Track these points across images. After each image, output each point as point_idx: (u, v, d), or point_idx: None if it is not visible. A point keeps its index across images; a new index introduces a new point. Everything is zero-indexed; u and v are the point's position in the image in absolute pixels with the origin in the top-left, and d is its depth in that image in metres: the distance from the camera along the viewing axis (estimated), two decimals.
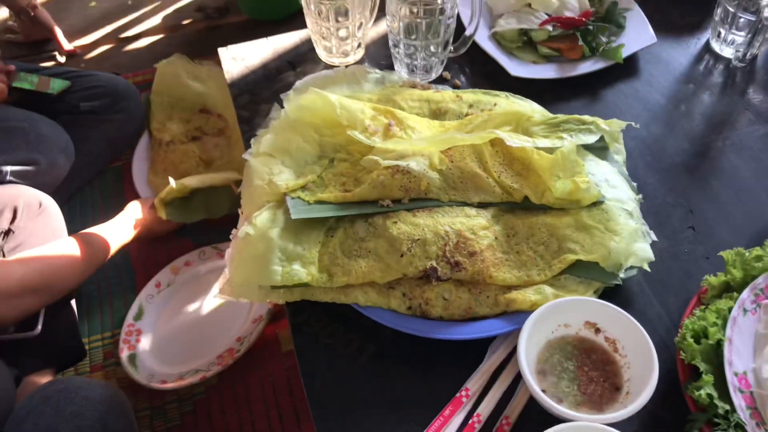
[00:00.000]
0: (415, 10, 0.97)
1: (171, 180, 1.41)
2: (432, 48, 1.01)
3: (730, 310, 0.74)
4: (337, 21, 1.03)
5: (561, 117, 0.90)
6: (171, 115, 1.58)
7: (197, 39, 1.29)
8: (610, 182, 0.85)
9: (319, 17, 1.03)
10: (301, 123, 0.90)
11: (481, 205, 0.85)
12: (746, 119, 1.02)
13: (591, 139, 0.88)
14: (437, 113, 0.97)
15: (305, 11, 1.04)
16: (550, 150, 0.85)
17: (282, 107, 0.93)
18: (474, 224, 0.81)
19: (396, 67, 1.07)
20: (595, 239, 0.81)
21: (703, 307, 0.76)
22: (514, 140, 0.84)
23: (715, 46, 1.11)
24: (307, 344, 0.80)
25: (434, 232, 0.79)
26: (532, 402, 0.73)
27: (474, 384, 0.75)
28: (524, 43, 1.09)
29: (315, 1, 1.00)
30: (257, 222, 0.81)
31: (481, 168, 0.86)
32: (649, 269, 0.81)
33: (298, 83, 0.97)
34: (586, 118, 0.90)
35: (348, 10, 1.02)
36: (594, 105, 1.04)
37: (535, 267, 0.80)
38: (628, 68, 1.08)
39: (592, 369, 0.74)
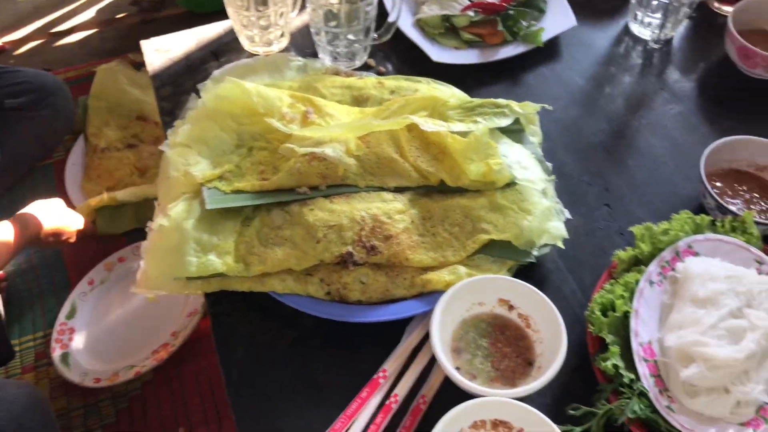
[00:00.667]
0: None
1: (104, 195, 1.39)
2: (353, 35, 1.02)
3: (637, 282, 0.76)
4: (257, 10, 1.02)
5: (476, 101, 0.92)
6: (108, 121, 1.55)
7: (131, 33, 1.27)
8: (522, 164, 0.87)
9: (239, 7, 1.02)
10: (219, 112, 0.90)
11: (398, 190, 0.85)
12: (662, 99, 1.05)
13: (505, 122, 0.89)
14: (359, 100, 0.97)
15: (225, 1, 1.03)
16: (464, 134, 0.86)
17: (199, 97, 0.92)
18: (390, 208, 0.82)
19: (320, 55, 1.07)
20: (509, 219, 0.82)
21: (612, 281, 0.78)
22: (429, 125, 0.85)
23: (634, 28, 1.14)
24: (226, 334, 0.80)
25: (350, 217, 0.80)
26: (448, 380, 0.74)
27: (391, 365, 0.76)
28: (447, 29, 1.10)
29: None
30: (172, 213, 0.80)
31: (397, 153, 0.86)
32: (563, 246, 0.83)
33: (216, 72, 0.97)
34: (501, 101, 0.91)
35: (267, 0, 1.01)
36: (515, 89, 1.06)
37: (450, 248, 0.81)
38: (548, 52, 1.10)
39: (506, 345, 0.76)
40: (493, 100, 0.92)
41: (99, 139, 1.51)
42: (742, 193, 0.90)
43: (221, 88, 0.90)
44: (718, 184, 0.89)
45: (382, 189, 0.85)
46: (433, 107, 0.91)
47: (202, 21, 1.13)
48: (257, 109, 0.88)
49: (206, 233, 0.80)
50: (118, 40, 1.16)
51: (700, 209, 0.89)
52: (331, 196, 0.83)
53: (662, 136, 0.99)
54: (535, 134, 0.94)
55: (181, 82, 1.06)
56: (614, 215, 0.90)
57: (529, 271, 0.83)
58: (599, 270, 0.84)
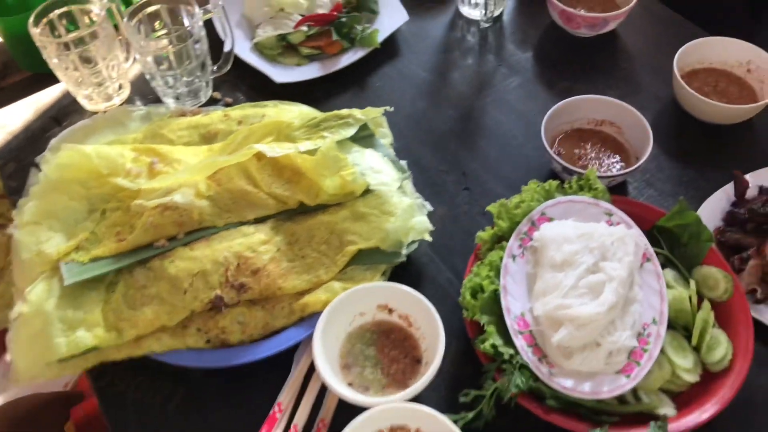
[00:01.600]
0: (164, 40, 0.96)
1: None
2: (188, 75, 1.01)
3: (501, 260, 0.79)
4: (87, 68, 0.99)
5: (320, 116, 0.92)
6: None
7: None
8: (375, 168, 0.88)
9: (66, 69, 0.99)
10: (63, 182, 0.87)
11: (259, 220, 0.85)
12: (501, 74, 1.09)
13: (350, 132, 0.90)
14: (207, 137, 0.96)
15: (50, 65, 1.00)
16: (313, 152, 0.87)
17: (40, 170, 0.89)
18: (253, 242, 0.82)
19: (163, 99, 1.05)
20: (372, 225, 0.84)
21: (479, 263, 0.81)
22: (276, 150, 0.86)
23: (464, 10, 1.17)
24: (116, 404, 0.78)
25: (213, 260, 0.79)
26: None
27: (285, 397, 0.76)
28: (284, 48, 1.10)
29: (54, 54, 0.96)
30: (31, 297, 0.77)
31: (251, 184, 0.86)
32: (430, 239, 0.85)
33: (53, 141, 0.94)
34: (343, 112, 0.92)
35: (94, 55, 0.98)
36: (363, 93, 1.07)
37: (321, 267, 0.82)
38: (388, 51, 1.12)
39: (392, 348, 0.77)
40: (336, 112, 0.93)
41: None
42: (588, 150, 0.94)
43: (60, 157, 0.88)
44: (565, 146, 0.94)
45: (242, 224, 0.84)
46: (278, 131, 0.91)
47: (52, 80, 1.09)
48: (101, 171, 0.86)
49: (71, 309, 0.78)
50: None
51: (552, 175, 0.93)
52: (190, 243, 0.82)
53: (507, 111, 1.03)
54: (384, 136, 0.96)
55: (23, 156, 1.02)
56: (475, 197, 0.93)
57: (404, 270, 0.85)
58: (468, 253, 0.87)
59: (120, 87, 1.06)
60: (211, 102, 1.07)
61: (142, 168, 0.87)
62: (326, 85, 1.08)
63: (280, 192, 0.86)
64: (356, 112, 0.92)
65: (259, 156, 0.88)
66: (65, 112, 1.07)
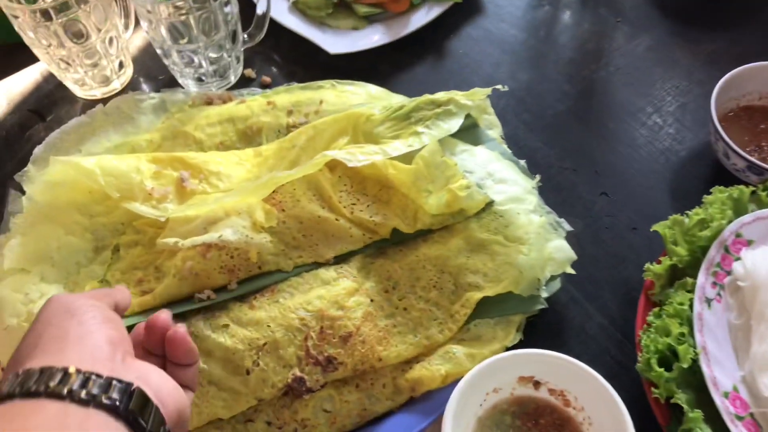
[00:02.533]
0: (179, 3, 0.69)
1: None
2: (215, 49, 0.74)
3: (691, 305, 0.56)
4: (75, 43, 0.73)
5: (408, 104, 0.67)
6: None
7: None
8: (495, 175, 0.64)
9: (47, 46, 0.72)
10: (56, 208, 0.63)
11: (340, 259, 0.61)
12: (622, 34, 0.83)
13: (454, 124, 0.65)
14: (248, 135, 0.71)
15: (26, 40, 0.73)
16: (408, 157, 0.62)
17: (23, 193, 0.64)
18: (338, 293, 0.57)
19: (179, 80, 0.79)
20: (498, 259, 0.60)
21: (657, 310, 0.57)
22: (358, 156, 0.61)
23: None
24: None
25: (285, 325, 0.55)
26: None
27: None
28: (335, 6, 0.83)
29: (30, 25, 0.70)
30: None
31: (325, 207, 0.61)
32: (573, 271, 0.61)
33: (37, 150, 0.68)
34: (440, 96, 0.67)
35: (85, 24, 0.72)
36: (443, 64, 0.81)
37: (433, 323, 0.58)
38: (470, 6, 0.86)
39: None
40: (429, 97, 0.67)
41: None
42: (762, 135, 0.70)
43: (50, 174, 0.63)
44: (731, 131, 0.69)
45: (317, 265, 0.60)
46: (355, 127, 0.66)
47: (24, 55, 0.82)
48: (110, 193, 0.61)
49: None
50: None
51: (717, 169, 0.69)
52: (248, 296, 0.58)
53: (639, 82, 0.78)
54: (492, 125, 0.71)
55: None
56: (617, 205, 0.69)
57: (538, 318, 0.61)
58: (623, 287, 0.64)
59: (120, 66, 0.80)
60: (243, 83, 0.81)
61: (168, 186, 0.62)
62: (394, 55, 0.82)
63: (366, 217, 0.61)
64: (458, 96, 0.67)
65: (332, 166, 0.63)
66: (49, 102, 0.81)
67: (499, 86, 0.67)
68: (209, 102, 0.76)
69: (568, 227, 0.64)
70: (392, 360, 0.56)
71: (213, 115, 0.72)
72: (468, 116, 0.67)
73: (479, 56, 0.81)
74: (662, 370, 0.53)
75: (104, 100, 0.75)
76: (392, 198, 0.62)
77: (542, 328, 0.61)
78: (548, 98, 0.77)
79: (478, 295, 0.58)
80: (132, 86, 0.82)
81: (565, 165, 0.72)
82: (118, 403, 0.36)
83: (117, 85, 0.81)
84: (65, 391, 0.34)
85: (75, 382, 0.35)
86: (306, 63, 0.82)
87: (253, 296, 0.57)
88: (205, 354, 0.54)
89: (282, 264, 0.59)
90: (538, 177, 0.65)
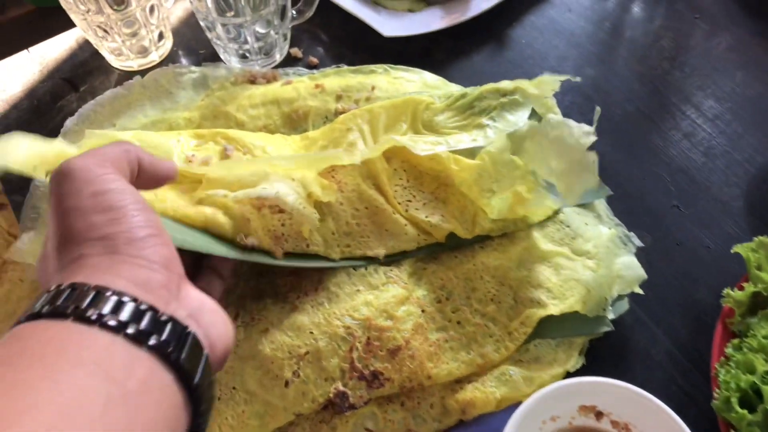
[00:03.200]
0: None
1: None
2: (263, 24, 0.69)
3: None
4: (114, 9, 0.68)
5: (471, 92, 0.61)
6: None
7: None
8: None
9: (84, 12, 0.68)
10: None
11: (390, 260, 0.56)
12: (700, 32, 0.77)
13: (522, 116, 0.60)
14: (294, 119, 0.66)
15: (63, 4, 0.69)
16: (471, 152, 0.57)
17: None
18: (387, 300, 0.52)
19: (221, 56, 0.74)
20: (563, 273, 0.54)
21: (737, 341, 0.52)
22: (420, 145, 0.55)
23: None
24: None
25: (329, 333, 0.50)
26: None
27: None
28: None
29: None
30: None
31: (383, 197, 0.56)
32: (641, 291, 0.56)
33: (69, 122, 0.64)
34: (505, 84, 0.61)
35: None
36: (503, 54, 0.76)
37: (488, 339, 0.53)
38: None
39: None
40: (494, 85, 0.62)
41: None
42: None
43: (84, 147, 0.58)
44: None
45: (366, 261, 0.55)
46: (414, 115, 0.60)
47: (60, 18, 0.78)
48: None
49: None
50: None
51: None
52: (290, 294, 0.53)
53: (717, 85, 0.72)
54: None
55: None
56: (690, 220, 0.63)
57: (600, 339, 0.56)
58: (695, 311, 0.58)
59: (160, 37, 0.75)
60: (289, 62, 0.76)
61: (210, 156, 0.57)
62: (450, 42, 0.76)
63: (422, 216, 0.56)
64: (525, 84, 0.61)
65: (388, 155, 0.57)
66: (85, 72, 0.76)
67: (569, 76, 0.61)
68: (252, 80, 0.71)
69: (638, 242, 0.58)
70: (442, 378, 0.51)
71: (257, 96, 0.67)
72: (533, 113, 0.62)
73: (543, 47, 0.75)
74: (745, 411, 0.48)
75: (141, 72, 0.71)
76: (450, 198, 0.57)
77: (604, 352, 0.56)
78: (617, 97, 0.71)
79: (540, 313, 0.53)
80: (170, 59, 0.77)
81: (633, 172, 0.66)
82: (170, 350, 0.30)
83: (155, 57, 0.76)
84: (116, 322, 0.28)
85: (128, 314, 0.29)
86: (356, 44, 0.76)
87: (296, 295, 0.52)
88: (244, 361, 0.50)
89: (330, 251, 0.54)
90: (607, 189, 0.60)
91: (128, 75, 0.75)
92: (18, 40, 0.83)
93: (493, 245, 0.56)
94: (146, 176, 0.39)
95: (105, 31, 0.71)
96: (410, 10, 0.77)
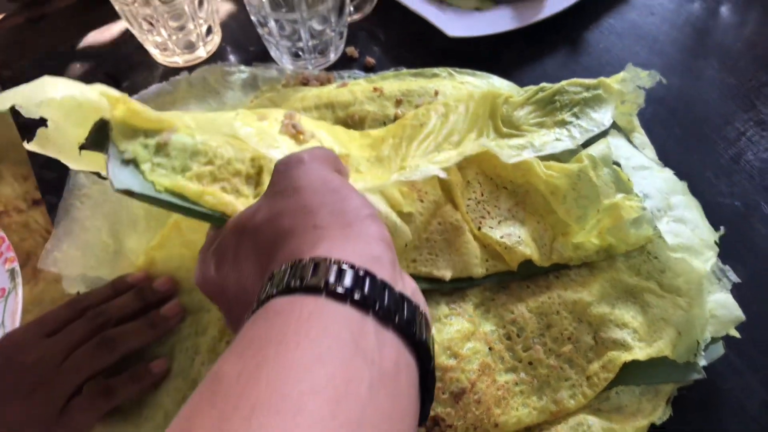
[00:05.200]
0: None
1: None
2: (319, 21, 0.64)
3: None
4: (161, 1, 0.64)
5: (550, 86, 0.55)
6: (0, 173, 1.14)
7: (16, 40, 0.87)
8: (675, 211, 0.52)
9: (131, 1, 0.63)
10: None
11: (454, 288, 0.50)
12: None
13: (606, 115, 0.53)
14: (349, 125, 0.60)
15: None
16: (555, 157, 0.51)
17: (101, 176, 0.56)
18: (451, 336, 0.46)
19: (272, 54, 0.70)
20: (651, 312, 0.48)
21: None
22: (506, 150, 0.50)
23: None
24: None
25: None
26: None
27: None
28: None
29: None
30: None
31: (458, 212, 0.50)
32: (738, 335, 0.49)
33: None
34: (587, 80, 0.55)
35: None
36: (578, 60, 0.69)
37: (564, 383, 0.47)
38: None
39: None
40: (575, 79, 0.55)
41: None
42: None
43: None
44: None
45: (431, 282, 0.49)
46: (492, 110, 0.54)
47: (102, 11, 0.75)
48: None
49: None
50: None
51: None
52: None
53: None
54: (643, 147, 0.59)
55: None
56: None
57: (688, 387, 0.49)
58: None
59: (208, 31, 0.71)
60: (344, 62, 0.70)
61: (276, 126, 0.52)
62: (520, 44, 0.70)
63: (496, 236, 0.49)
64: (608, 80, 0.55)
65: (462, 164, 0.51)
66: (127, 67, 0.72)
67: (655, 73, 0.54)
68: (305, 83, 0.66)
69: (734, 278, 0.52)
70: (511, 427, 0.45)
71: (310, 98, 0.62)
72: (614, 127, 0.55)
73: (623, 53, 0.69)
74: None
75: (186, 69, 0.66)
76: (527, 219, 0.51)
77: (692, 401, 0.49)
78: (705, 110, 0.64)
79: (624, 357, 0.46)
80: (218, 55, 0.72)
81: (725, 195, 0.59)
82: (414, 330, 0.29)
83: (202, 53, 0.71)
84: (362, 300, 0.27)
85: (370, 290, 0.28)
86: (417, 45, 0.71)
87: None
88: None
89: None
90: (722, 228, 0.53)
91: (173, 71, 0.70)
92: (63, 31, 0.80)
93: (570, 275, 0.50)
94: None
95: (151, 24, 0.66)
96: (478, 9, 0.71)
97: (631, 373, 0.47)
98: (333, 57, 0.70)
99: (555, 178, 0.49)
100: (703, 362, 0.48)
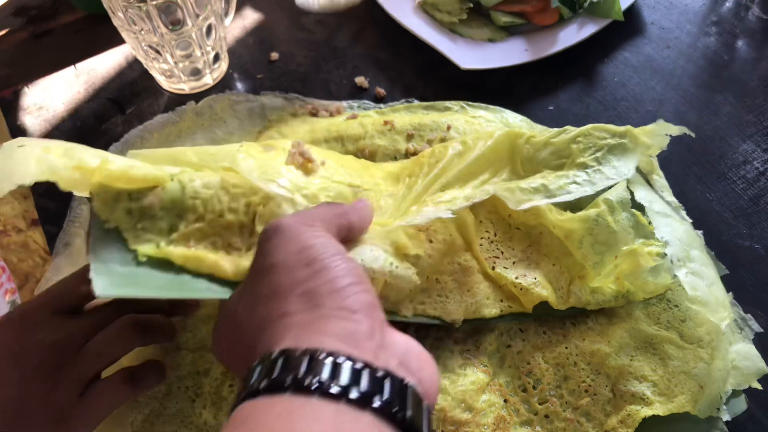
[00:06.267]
0: None
1: None
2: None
3: None
4: (169, 29, 0.62)
5: (573, 129, 0.53)
6: None
7: (20, 54, 0.86)
8: (693, 264, 0.50)
9: (137, 31, 0.62)
10: None
11: (467, 334, 0.48)
12: None
13: (629, 166, 0.51)
14: (359, 158, 0.59)
15: (114, 22, 0.63)
16: (572, 206, 0.49)
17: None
18: (466, 388, 0.45)
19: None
20: (672, 365, 0.46)
21: None
22: (517, 195, 0.47)
23: None
24: None
25: None
26: None
27: None
28: (470, 12, 0.70)
29: (121, 5, 0.59)
30: None
31: (469, 253, 0.49)
32: (759, 386, 0.47)
33: (113, 149, 0.58)
34: (612, 127, 0.52)
35: (182, 8, 0.61)
36: (593, 94, 0.68)
37: None
38: (630, 26, 0.72)
39: None
40: (602, 125, 0.52)
41: None
42: None
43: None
44: None
45: (440, 325, 0.47)
46: (512, 150, 0.52)
47: (107, 28, 0.73)
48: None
49: None
50: (3, 67, 0.77)
51: None
52: None
53: None
54: (663, 189, 0.57)
55: None
56: None
57: None
58: None
59: (215, 59, 0.69)
60: (354, 92, 0.69)
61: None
62: (534, 76, 0.68)
63: (511, 277, 0.47)
64: (636, 131, 0.52)
65: (476, 207, 0.50)
66: (131, 93, 0.71)
67: (686, 129, 0.53)
68: (314, 113, 0.64)
69: (756, 327, 0.50)
70: None
71: (319, 131, 0.61)
72: (637, 172, 0.54)
73: (638, 88, 0.67)
74: None
75: (193, 96, 0.65)
76: (542, 261, 0.49)
77: None
78: (723, 148, 0.63)
79: (644, 413, 0.44)
80: (225, 82, 0.71)
81: (744, 237, 0.57)
82: (395, 409, 0.27)
83: (209, 80, 0.70)
84: (338, 389, 0.27)
85: (347, 376, 0.27)
86: (428, 76, 0.69)
87: None
88: None
89: (402, 308, 0.46)
90: (721, 265, 0.51)
91: (178, 98, 0.69)
92: (67, 47, 0.79)
93: (588, 323, 0.48)
94: (355, 235, 0.41)
95: (157, 51, 0.65)
96: (491, 40, 0.69)
97: (651, 428, 0.45)
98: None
99: (568, 222, 0.48)
100: (726, 417, 0.46)
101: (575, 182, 0.49)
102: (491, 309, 0.48)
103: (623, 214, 0.48)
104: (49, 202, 0.65)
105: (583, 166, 0.50)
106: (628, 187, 0.50)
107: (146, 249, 0.39)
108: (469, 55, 0.67)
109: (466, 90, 0.66)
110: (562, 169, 0.51)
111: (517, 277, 0.48)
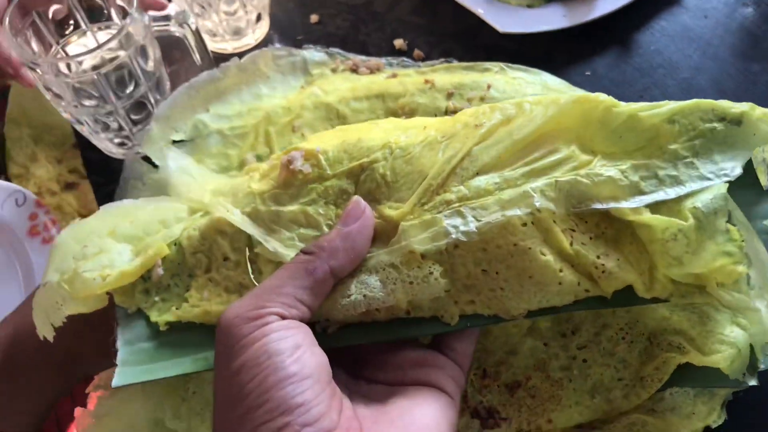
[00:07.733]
0: None
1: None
2: (135, 108, 0.62)
3: None
4: None
5: (669, 104, 0.40)
6: (35, 155, 1.12)
7: None
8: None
9: None
10: None
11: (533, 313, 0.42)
12: None
13: (735, 166, 0.39)
14: (400, 116, 0.60)
15: None
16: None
17: (151, 163, 0.56)
18: (507, 330, 0.46)
19: (98, 145, 0.67)
20: (709, 326, 0.46)
21: None
22: (618, 194, 0.39)
23: None
24: None
25: None
26: None
27: None
28: None
29: None
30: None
31: (526, 226, 0.39)
32: None
33: (159, 110, 0.59)
34: (727, 105, 0.40)
35: None
36: (629, 61, 0.68)
37: (617, 383, 0.46)
38: None
39: None
40: (708, 101, 0.40)
41: (26, 182, 1.10)
42: None
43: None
44: None
45: (497, 320, 0.40)
46: (585, 120, 0.41)
47: None
48: None
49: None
50: None
51: None
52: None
53: None
54: None
55: None
56: None
57: (742, 390, 0.49)
58: None
59: (258, 18, 0.71)
60: (393, 53, 0.70)
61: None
62: (571, 43, 0.69)
63: (592, 256, 0.39)
64: (759, 112, 0.40)
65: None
66: (175, 53, 0.72)
67: None
68: (355, 69, 0.65)
69: None
70: (563, 423, 0.45)
71: (360, 88, 0.62)
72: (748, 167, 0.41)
73: (675, 56, 0.68)
74: None
75: (235, 56, 0.66)
76: (621, 238, 0.41)
77: (745, 404, 0.48)
78: None
79: (679, 360, 0.45)
80: (266, 43, 0.72)
81: None
82: None
83: (251, 39, 0.71)
84: None
85: None
86: (466, 40, 0.70)
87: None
88: None
89: (443, 309, 0.40)
90: None
91: (221, 57, 0.70)
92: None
93: None
94: (346, 272, 0.38)
95: (203, 7, 0.66)
96: (529, 6, 0.70)
97: (685, 375, 0.46)
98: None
99: (652, 226, 0.39)
100: (763, 367, 0.47)
101: (656, 177, 0.39)
102: (566, 296, 0.40)
103: (714, 228, 0.39)
104: (94, 154, 0.67)
105: (674, 156, 0.39)
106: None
107: (165, 317, 0.42)
108: (508, 19, 0.69)
109: (503, 53, 0.67)
110: (640, 156, 0.40)
111: (599, 256, 0.39)
